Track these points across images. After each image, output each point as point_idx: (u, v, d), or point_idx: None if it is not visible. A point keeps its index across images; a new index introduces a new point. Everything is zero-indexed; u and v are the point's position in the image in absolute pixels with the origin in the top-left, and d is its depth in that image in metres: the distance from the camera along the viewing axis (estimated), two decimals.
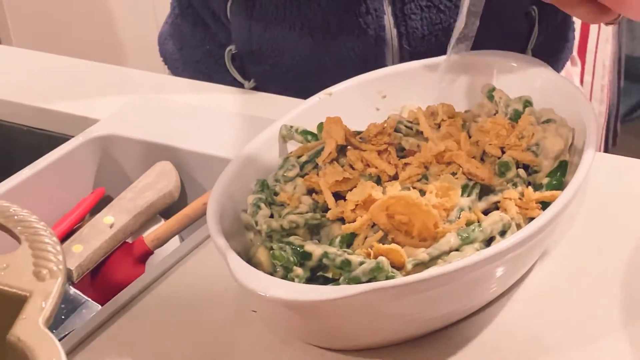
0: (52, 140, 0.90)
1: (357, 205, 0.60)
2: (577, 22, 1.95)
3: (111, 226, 0.74)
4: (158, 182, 0.79)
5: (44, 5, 2.28)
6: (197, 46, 0.97)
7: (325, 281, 0.58)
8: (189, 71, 0.97)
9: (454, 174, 0.63)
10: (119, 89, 0.93)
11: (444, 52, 0.74)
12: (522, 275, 0.63)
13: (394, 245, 0.57)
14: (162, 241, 0.76)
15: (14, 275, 0.43)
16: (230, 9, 0.89)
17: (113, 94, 0.92)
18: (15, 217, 0.47)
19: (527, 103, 0.70)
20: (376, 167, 0.64)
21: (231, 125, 0.84)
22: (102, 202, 0.81)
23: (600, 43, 1.92)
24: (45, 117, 0.90)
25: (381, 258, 0.55)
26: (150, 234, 0.76)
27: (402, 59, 0.87)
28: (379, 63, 0.87)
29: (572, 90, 0.69)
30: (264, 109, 0.86)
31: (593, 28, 1.92)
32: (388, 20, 0.85)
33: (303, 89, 0.84)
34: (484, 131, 0.67)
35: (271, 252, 0.58)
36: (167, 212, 0.80)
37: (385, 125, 0.67)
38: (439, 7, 0.85)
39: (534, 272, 0.63)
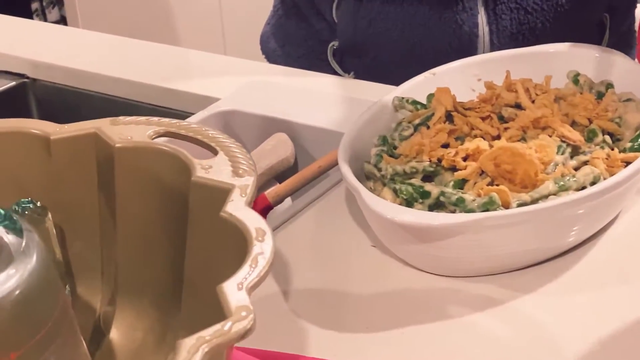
0: (174, 117, 1.01)
1: (467, 155, 0.71)
2: None
3: None
4: (276, 149, 0.90)
5: None
6: (300, 43, 1.08)
7: None
8: (291, 66, 1.09)
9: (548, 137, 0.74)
10: (231, 74, 1.05)
11: None
12: (604, 226, 0.73)
13: (502, 187, 0.67)
14: (281, 197, 0.86)
15: (218, 174, 0.54)
16: (336, 7, 1.01)
17: (227, 78, 1.04)
18: (210, 134, 0.58)
19: (609, 85, 0.81)
20: (480, 130, 0.75)
21: (336, 104, 0.95)
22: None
23: None
24: (169, 96, 1.02)
25: (493, 194, 0.66)
26: (271, 191, 0.86)
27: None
28: (472, 55, 0.97)
29: None
30: (362, 93, 0.97)
31: None
32: (481, 18, 0.96)
33: (398, 81, 0.95)
34: (573, 104, 0.77)
35: (398, 187, 0.69)
36: (281, 176, 0.91)
37: (490, 95, 0.78)
38: (527, 9, 0.96)
39: (614, 226, 0.73)
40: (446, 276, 0.69)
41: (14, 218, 0.50)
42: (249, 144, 0.95)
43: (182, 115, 1.00)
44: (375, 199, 0.67)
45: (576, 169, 0.72)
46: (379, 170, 0.73)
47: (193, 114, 0.97)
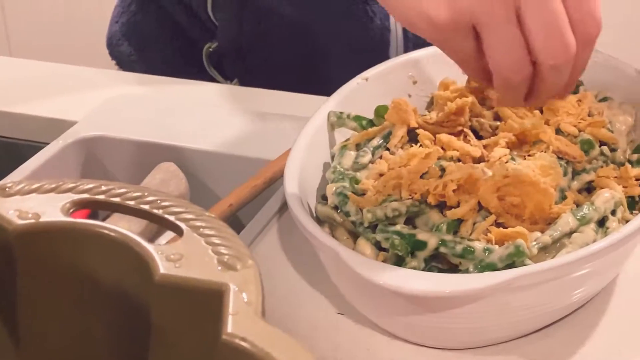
0: (14, 148, 0.79)
1: (458, 186, 0.55)
2: None
3: None
4: (166, 184, 0.70)
5: None
6: (164, 46, 0.88)
7: (440, 272, 0.52)
8: (153, 74, 0.88)
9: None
10: (82, 87, 0.83)
11: None
12: None
13: (519, 228, 0.52)
14: None
15: (195, 267, 0.35)
16: (213, 1, 0.82)
17: (79, 93, 0.82)
18: (159, 201, 0.38)
19: (579, 82, 0.67)
20: (457, 150, 0.59)
21: (229, 119, 0.76)
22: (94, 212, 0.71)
23: None
24: (7, 123, 0.79)
25: (520, 241, 0.50)
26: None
27: (406, 49, 0.82)
28: (383, 53, 0.82)
29: (629, 71, 0.66)
30: (258, 103, 0.79)
31: None
32: None
33: (294, 86, 0.78)
34: (553, 110, 0.63)
35: (387, 240, 0.51)
36: None
37: (462, 105, 0.61)
38: None
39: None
40: (450, 349, 0.53)
41: None
42: (127, 180, 0.74)
43: (30, 146, 0.77)
44: (365, 262, 0.49)
45: (579, 191, 0.58)
46: (347, 214, 0.55)
47: (45, 143, 0.74)
